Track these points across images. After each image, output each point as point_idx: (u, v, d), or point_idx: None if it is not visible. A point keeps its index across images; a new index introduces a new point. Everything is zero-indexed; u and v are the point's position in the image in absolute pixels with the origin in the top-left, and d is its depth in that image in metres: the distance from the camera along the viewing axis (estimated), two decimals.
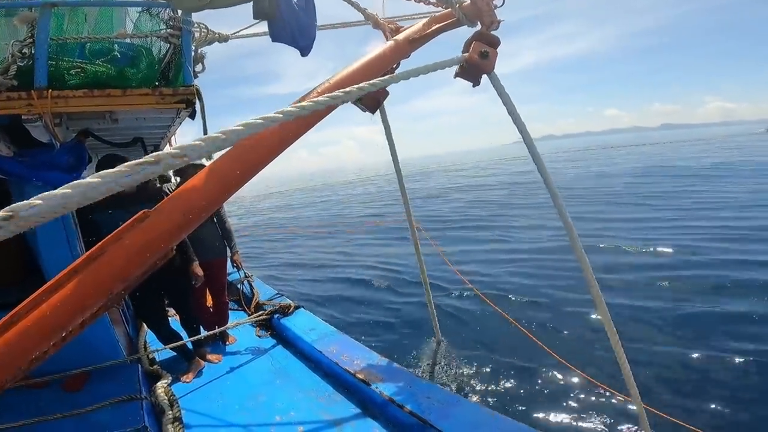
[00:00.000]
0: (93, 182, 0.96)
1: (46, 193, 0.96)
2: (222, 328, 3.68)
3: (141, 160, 1.02)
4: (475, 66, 1.96)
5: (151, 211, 1.15)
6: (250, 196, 35.82)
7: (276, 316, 3.94)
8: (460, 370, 4.01)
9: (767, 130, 68.71)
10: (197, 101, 2.45)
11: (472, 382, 3.83)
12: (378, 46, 1.96)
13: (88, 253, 1.15)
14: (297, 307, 4.00)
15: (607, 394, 3.39)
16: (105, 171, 0.98)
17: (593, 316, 4.60)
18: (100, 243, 1.20)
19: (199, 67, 2.68)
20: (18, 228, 0.94)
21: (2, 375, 1.24)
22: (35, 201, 0.96)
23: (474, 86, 2.11)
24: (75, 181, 0.97)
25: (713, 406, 3.24)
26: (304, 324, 3.67)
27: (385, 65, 1.87)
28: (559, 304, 5.38)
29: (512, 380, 3.82)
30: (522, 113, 2.19)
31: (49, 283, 1.25)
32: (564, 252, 7.07)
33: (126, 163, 0.96)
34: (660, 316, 4.76)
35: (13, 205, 0.91)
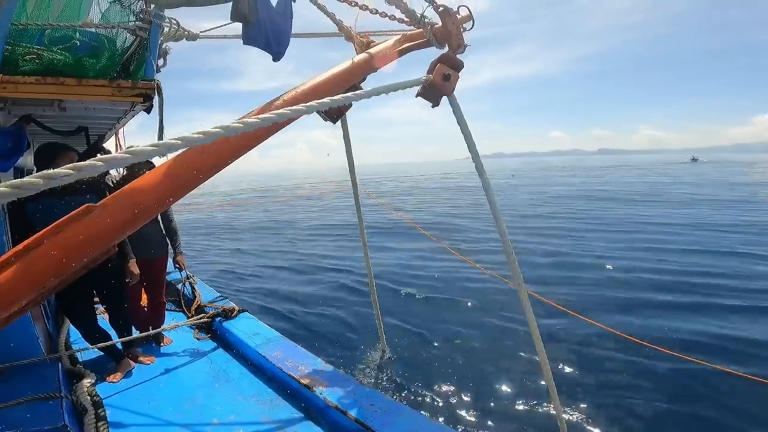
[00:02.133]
0: (29, 182, 0.89)
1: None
2: (157, 330, 3.48)
3: (87, 162, 0.96)
4: (437, 89, 2.02)
5: (95, 206, 1.10)
6: (196, 192, 34.23)
7: (218, 319, 3.78)
8: (404, 378, 4.07)
9: (692, 160, 76.84)
10: (157, 96, 2.41)
11: (414, 389, 3.90)
12: (348, 57, 1.99)
13: (24, 243, 1.07)
14: (241, 311, 3.87)
15: (546, 405, 3.57)
16: (46, 172, 0.91)
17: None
18: (37, 234, 1.13)
19: (161, 62, 2.65)
20: None
21: None
22: None
23: (433, 107, 2.16)
24: (12, 181, 0.91)
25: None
26: (247, 328, 3.55)
27: (353, 78, 1.91)
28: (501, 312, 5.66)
29: (454, 388, 3.93)
30: (474, 130, 2.27)
31: None
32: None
33: (70, 165, 0.91)
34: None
35: None
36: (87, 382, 2.72)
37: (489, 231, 11.52)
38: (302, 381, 2.67)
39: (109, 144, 4.34)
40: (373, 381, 4.04)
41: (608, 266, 7.79)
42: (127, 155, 0.88)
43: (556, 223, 13.10)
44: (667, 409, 3.52)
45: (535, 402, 3.62)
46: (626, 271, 7.43)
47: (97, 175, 3.03)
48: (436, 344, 4.85)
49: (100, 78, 2.27)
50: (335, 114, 2.65)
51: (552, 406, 2.69)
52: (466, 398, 3.80)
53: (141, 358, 3.27)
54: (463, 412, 3.61)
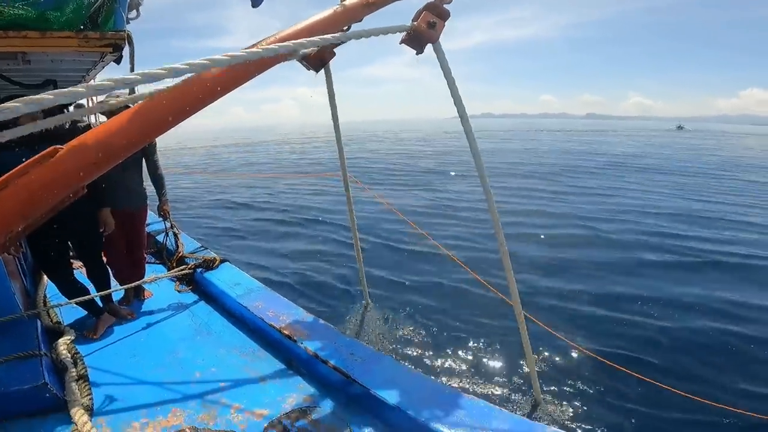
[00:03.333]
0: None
1: None
2: (137, 282, 3.45)
3: (51, 92, 0.94)
4: (422, 35, 2.01)
5: (62, 147, 1.06)
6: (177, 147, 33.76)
7: (199, 270, 3.76)
8: (385, 330, 4.23)
9: (677, 128, 78.21)
10: (128, 46, 2.44)
11: (395, 341, 4.06)
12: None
13: None
14: (222, 261, 3.85)
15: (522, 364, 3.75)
16: (18, 99, 0.89)
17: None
18: (2, 177, 1.09)
19: (133, 14, 2.64)
20: None
21: None
22: None
23: (417, 54, 2.18)
24: None
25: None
26: (229, 278, 3.55)
27: (337, 26, 1.85)
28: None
29: (434, 341, 4.12)
30: (465, 90, 2.30)
31: None
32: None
33: (20, 99, 0.88)
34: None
35: None
36: (66, 339, 2.73)
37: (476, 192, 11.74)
38: (283, 331, 2.71)
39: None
40: (355, 333, 4.19)
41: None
42: (94, 86, 0.85)
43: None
44: None
45: (511, 359, 3.80)
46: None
47: (68, 126, 2.95)
48: (418, 298, 5.01)
49: (66, 30, 2.27)
50: (317, 62, 2.59)
51: (526, 363, 2.85)
52: (444, 351, 3.98)
53: (122, 312, 3.27)
54: (440, 364, 3.80)
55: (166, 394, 2.38)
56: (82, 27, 2.36)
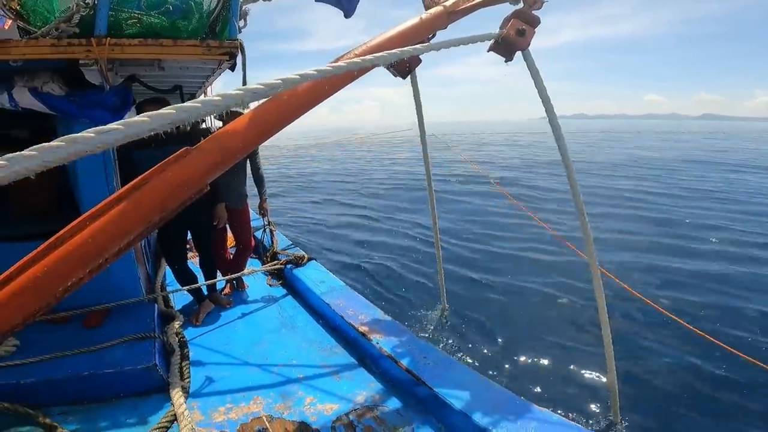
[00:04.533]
0: (140, 121, 1.07)
1: (100, 127, 1.09)
2: (237, 275, 3.84)
3: (186, 104, 1.13)
4: (511, 43, 2.01)
5: (192, 148, 1.27)
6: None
7: (289, 266, 4.07)
8: (461, 337, 4.21)
9: None
10: (240, 54, 2.65)
11: (470, 349, 4.04)
12: (416, 14, 2.00)
13: (132, 182, 1.28)
14: (310, 259, 4.14)
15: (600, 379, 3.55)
16: (154, 112, 1.10)
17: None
18: (143, 174, 1.33)
19: (242, 23, 2.83)
20: (71, 156, 1.07)
21: (40, 300, 1.38)
22: (88, 134, 1.09)
23: (506, 61, 2.16)
24: (125, 119, 1.10)
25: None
26: (314, 276, 3.80)
27: (422, 34, 1.92)
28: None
29: (511, 351, 4.03)
30: (553, 89, 2.26)
31: (93, 209, 1.37)
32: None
33: (171, 106, 1.07)
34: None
35: (72, 135, 1.04)
36: (177, 323, 3.06)
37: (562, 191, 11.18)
38: (360, 329, 2.82)
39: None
40: (429, 336, 4.23)
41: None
42: (218, 98, 1.02)
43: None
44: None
45: (591, 375, 3.62)
46: None
47: (191, 128, 3.42)
48: (498, 306, 4.93)
49: (192, 39, 2.54)
50: (404, 69, 2.69)
51: (607, 380, 2.68)
52: (521, 360, 3.89)
53: (222, 301, 3.64)
54: (514, 372, 3.73)
55: (251, 382, 2.57)
56: (204, 36, 2.61)
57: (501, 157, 24.63)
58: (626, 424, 2.95)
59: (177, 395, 2.29)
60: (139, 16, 2.43)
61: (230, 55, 2.61)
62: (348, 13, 2.73)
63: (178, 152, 1.30)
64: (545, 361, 3.89)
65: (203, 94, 4.87)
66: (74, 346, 2.53)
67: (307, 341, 3.02)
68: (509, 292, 5.21)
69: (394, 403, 2.32)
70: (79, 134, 1.05)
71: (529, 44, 2.06)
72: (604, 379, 3.34)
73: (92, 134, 1.10)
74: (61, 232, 1.38)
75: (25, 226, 2.81)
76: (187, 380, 2.51)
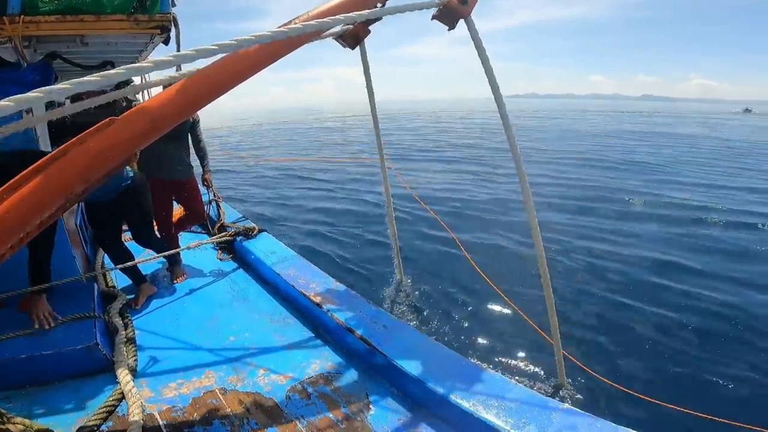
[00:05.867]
0: (60, 88, 0.99)
1: (19, 95, 1.01)
2: (184, 248, 3.71)
3: (109, 71, 1.06)
4: (453, 10, 2.00)
5: (116, 118, 1.19)
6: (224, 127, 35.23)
7: (239, 238, 3.99)
8: (415, 305, 4.32)
9: (744, 110, 71.58)
10: (174, 28, 2.58)
11: (425, 317, 4.15)
12: None
13: (51, 154, 1.19)
14: (261, 231, 4.06)
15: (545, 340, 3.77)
16: (76, 80, 1.02)
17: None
18: (63, 145, 1.24)
19: None
20: None
21: None
22: (5, 102, 1.00)
23: (449, 30, 2.16)
24: (44, 87, 1.01)
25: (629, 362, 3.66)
26: (265, 247, 3.73)
27: (371, 2, 1.87)
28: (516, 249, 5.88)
29: (462, 317, 4.19)
30: (508, 70, 2.32)
31: (10, 182, 1.28)
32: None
33: (98, 73, 1.00)
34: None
35: None
36: (119, 302, 2.96)
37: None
38: (313, 299, 2.81)
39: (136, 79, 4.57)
40: (385, 305, 4.31)
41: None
42: (149, 64, 0.96)
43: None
44: None
45: (542, 341, 3.76)
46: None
47: (124, 104, 3.23)
48: (450, 275, 5.07)
49: (118, 14, 2.41)
50: (353, 40, 2.64)
51: (553, 341, 2.85)
52: (472, 327, 4.04)
53: (178, 278, 3.53)
54: (465, 339, 3.87)
55: (202, 357, 2.54)
56: (132, 10, 2.49)
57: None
58: (572, 390, 3.10)
59: (123, 374, 2.23)
60: None
61: (162, 28, 2.53)
62: None
63: (102, 122, 1.22)
64: (494, 327, 4.07)
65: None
66: (10, 330, 2.40)
67: (259, 313, 3.00)
68: (459, 262, 5.36)
69: (349, 372, 2.34)
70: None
71: (470, 12, 2.04)
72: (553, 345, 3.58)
73: (9, 103, 1.02)
74: None
75: None
76: (133, 359, 2.44)
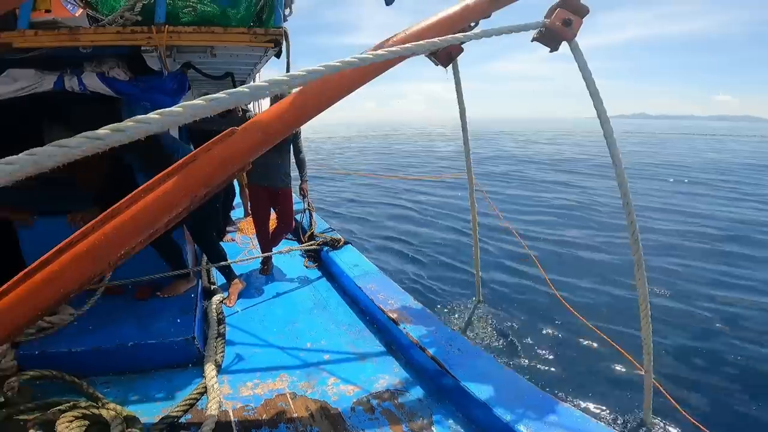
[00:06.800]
0: (198, 103, 1.18)
1: (163, 109, 1.20)
2: (273, 252, 4.03)
3: (235, 89, 1.23)
4: (556, 32, 1.97)
5: (237, 129, 1.39)
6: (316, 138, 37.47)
7: (325, 248, 4.21)
8: (491, 332, 4.18)
9: None
10: (284, 42, 2.77)
11: (499, 344, 4.01)
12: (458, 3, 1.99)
13: (182, 160, 1.41)
14: (346, 243, 4.26)
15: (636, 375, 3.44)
16: (208, 96, 1.20)
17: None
18: (193, 152, 1.46)
19: (287, 11, 2.96)
20: (138, 134, 1.18)
21: (97, 266, 1.52)
22: (153, 115, 1.20)
23: (551, 51, 2.12)
24: (183, 102, 1.21)
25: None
26: (349, 260, 3.90)
27: (463, 22, 1.92)
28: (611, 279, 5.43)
29: (540, 345, 3.99)
30: (612, 88, 2.20)
31: (146, 184, 1.52)
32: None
33: (222, 91, 1.17)
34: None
35: (140, 116, 1.16)
36: (216, 299, 3.24)
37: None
38: (390, 315, 2.87)
39: None
40: (459, 327, 4.24)
41: None
42: (265, 84, 1.11)
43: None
44: None
45: (627, 372, 3.53)
46: None
47: (240, 113, 3.60)
48: (530, 305, 4.85)
49: (241, 26, 2.67)
50: (446, 57, 2.70)
51: (644, 371, 2.60)
52: (550, 357, 3.83)
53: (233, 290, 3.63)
54: (543, 369, 3.68)
55: (279, 360, 2.67)
56: (251, 24, 2.74)
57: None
58: (659, 427, 2.84)
59: (210, 369, 2.41)
60: (194, 5, 2.61)
61: (275, 42, 2.74)
62: (388, 1, 2.79)
63: (224, 132, 1.42)
64: (576, 359, 3.82)
65: (252, 81, 5.11)
66: (125, 316, 2.72)
67: (336, 323, 3.11)
68: (549, 291, 5.10)
69: (416, 390, 2.34)
70: (146, 116, 1.16)
71: (575, 35, 2.00)
72: (639, 378, 3.23)
73: (157, 115, 1.22)
74: (118, 203, 1.53)
75: (88, 202, 3.06)
76: (221, 354, 2.63)
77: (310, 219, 4.91)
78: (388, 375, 2.48)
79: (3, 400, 2.11)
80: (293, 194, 4.19)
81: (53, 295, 1.54)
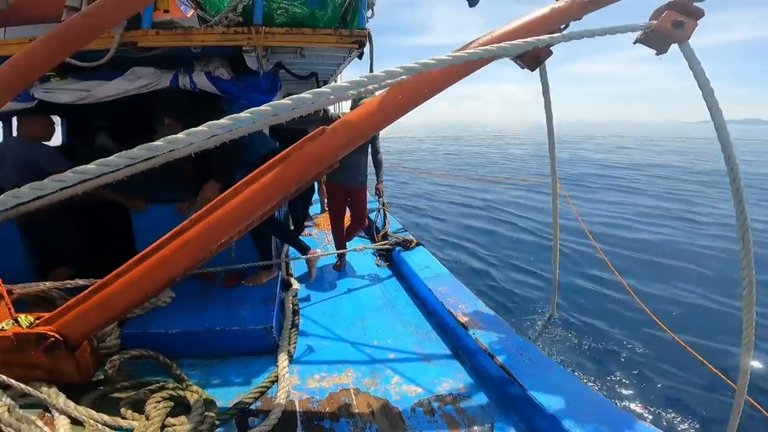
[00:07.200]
0: (284, 103, 1.28)
1: (255, 108, 1.33)
2: (347, 250, 4.19)
3: (318, 90, 1.32)
4: (665, 34, 1.87)
5: (327, 128, 1.48)
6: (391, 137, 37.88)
7: (397, 248, 4.28)
8: (563, 347, 4.01)
9: None
10: (368, 43, 2.83)
11: (575, 356, 3.84)
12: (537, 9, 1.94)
13: (278, 156, 1.54)
14: (418, 244, 4.28)
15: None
16: (294, 96, 1.30)
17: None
18: (286, 150, 1.58)
19: (369, 13, 3.01)
20: (236, 131, 1.31)
21: (200, 253, 1.67)
22: (246, 114, 1.33)
23: (658, 54, 2.01)
24: (274, 101, 1.32)
25: None
26: (420, 261, 3.91)
27: (553, 24, 1.88)
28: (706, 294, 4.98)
29: (621, 364, 3.76)
30: (720, 92, 2.01)
31: (247, 177, 1.66)
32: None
33: (308, 91, 1.26)
34: None
35: (234, 115, 1.28)
36: (293, 290, 3.40)
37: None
38: (459, 319, 2.84)
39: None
40: (531, 337, 4.11)
41: None
42: (347, 85, 1.18)
43: None
44: None
45: (714, 393, 3.25)
46: None
47: (321, 113, 3.73)
48: (611, 314, 4.60)
49: (327, 28, 2.76)
50: (532, 61, 2.62)
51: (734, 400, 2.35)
52: (628, 376, 3.60)
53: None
54: (621, 388, 3.46)
55: (346, 355, 2.73)
56: (337, 25, 2.81)
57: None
58: None
59: (282, 358, 2.52)
60: (286, 6, 2.74)
61: (359, 43, 2.81)
62: (472, 3, 2.77)
63: (315, 131, 1.53)
64: (658, 373, 3.57)
65: (334, 82, 5.32)
66: (213, 303, 2.93)
67: (404, 323, 3.14)
68: (632, 308, 4.76)
69: (479, 397, 2.31)
70: (240, 114, 1.30)
71: (688, 37, 1.88)
72: (727, 396, 2.96)
73: (248, 114, 1.35)
74: (221, 195, 1.69)
75: (190, 193, 3.29)
76: (293, 345, 2.74)
77: (384, 219, 5.00)
78: (451, 379, 2.47)
79: (103, 377, 2.27)
80: (368, 194, 4.28)
81: (163, 278, 1.75)
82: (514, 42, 1.57)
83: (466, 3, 2.94)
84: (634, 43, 2.06)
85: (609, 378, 3.55)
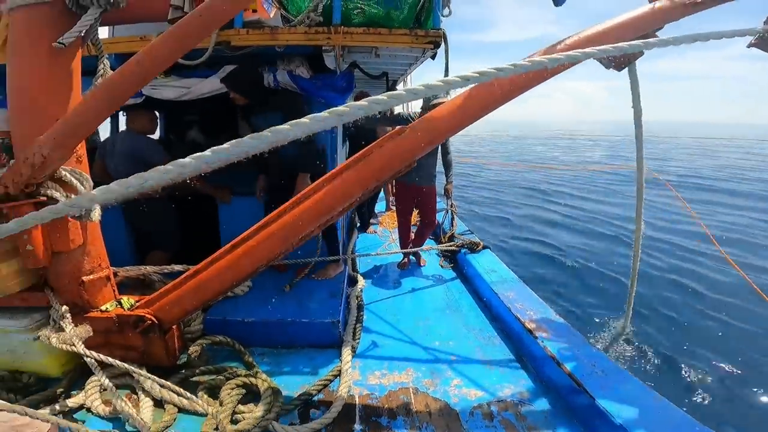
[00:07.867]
0: (360, 104, 1.34)
1: (333, 108, 1.40)
2: (414, 249, 4.25)
3: (393, 92, 1.35)
4: None
5: (406, 127, 1.55)
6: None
7: (463, 251, 4.27)
8: (639, 359, 3.78)
9: None
10: (443, 43, 2.82)
11: (650, 369, 3.63)
12: (619, 6, 1.85)
13: (359, 153, 1.63)
14: (485, 247, 4.25)
15: None
16: (370, 98, 1.36)
17: None
18: (367, 147, 1.66)
19: (446, 12, 3.01)
20: (312, 129, 1.38)
21: (283, 245, 1.76)
22: (324, 114, 1.39)
23: None
24: (350, 103, 1.37)
25: None
26: (486, 264, 3.88)
27: (647, 26, 1.79)
28: None
29: (702, 380, 3.57)
30: None
31: (328, 174, 1.75)
32: None
33: (385, 93, 1.32)
34: None
35: (314, 114, 1.36)
36: (359, 286, 3.51)
37: None
38: (527, 325, 2.79)
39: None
40: (604, 347, 3.93)
41: None
42: (422, 88, 1.21)
43: None
44: None
45: None
46: None
47: (388, 114, 3.78)
48: (690, 326, 4.33)
49: (403, 28, 2.80)
50: (622, 60, 2.51)
51: None
52: (711, 392, 3.40)
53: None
54: (704, 405, 3.27)
55: (408, 353, 2.75)
56: (412, 26, 2.83)
57: None
58: None
59: (346, 353, 2.57)
60: (362, 6, 2.80)
61: (434, 44, 2.81)
62: (558, 2, 2.68)
63: (395, 129, 1.59)
64: (744, 390, 3.36)
65: (403, 82, 5.38)
66: (286, 295, 3.08)
67: (467, 326, 3.13)
68: (717, 327, 4.38)
69: (541, 404, 2.25)
70: (318, 114, 1.36)
71: None
72: None
73: (327, 114, 1.42)
74: (305, 190, 1.80)
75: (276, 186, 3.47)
76: (357, 341, 2.81)
77: (452, 220, 4.99)
78: (513, 385, 2.43)
79: (185, 361, 2.40)
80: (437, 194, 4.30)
81: (250, 267, 1.88)
82: (601, 47, 1.46)
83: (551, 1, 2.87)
84: (748, 47, 1.96)
85: (689, 393, 3.37)
